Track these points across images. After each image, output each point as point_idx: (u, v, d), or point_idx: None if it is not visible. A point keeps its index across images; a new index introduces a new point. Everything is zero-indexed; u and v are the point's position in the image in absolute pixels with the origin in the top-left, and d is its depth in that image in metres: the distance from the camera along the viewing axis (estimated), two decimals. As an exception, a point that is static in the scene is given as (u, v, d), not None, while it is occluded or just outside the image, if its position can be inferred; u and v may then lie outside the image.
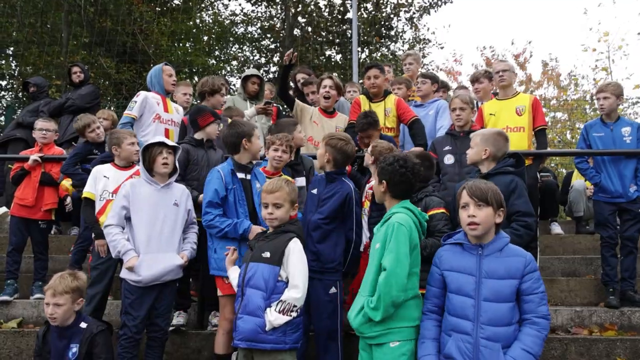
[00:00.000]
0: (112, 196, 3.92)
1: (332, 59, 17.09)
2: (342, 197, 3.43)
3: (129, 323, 3.36)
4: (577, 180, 6.63)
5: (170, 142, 3.63)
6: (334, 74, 5.90)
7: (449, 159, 4.30)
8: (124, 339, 3.34)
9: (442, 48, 21.07)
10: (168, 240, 3.50)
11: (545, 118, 5.35)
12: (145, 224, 3.44)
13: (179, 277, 3.62)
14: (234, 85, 14.75)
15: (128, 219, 3.48)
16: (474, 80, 5.92)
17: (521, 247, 3.10)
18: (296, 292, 2.87)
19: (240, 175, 3.63)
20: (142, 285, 3.38)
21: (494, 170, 3.43)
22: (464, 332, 2.48)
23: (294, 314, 2.86)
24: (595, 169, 4.64)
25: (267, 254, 2.94)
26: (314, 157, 4.48)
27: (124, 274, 3.43)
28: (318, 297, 3.34)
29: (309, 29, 16.88)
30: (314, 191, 3.58)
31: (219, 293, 3.57)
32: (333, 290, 3.38)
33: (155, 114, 4.91)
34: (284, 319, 2.83)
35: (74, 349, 3.26)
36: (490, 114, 4.99)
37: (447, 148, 4.34)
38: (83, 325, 3.32)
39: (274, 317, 2.82)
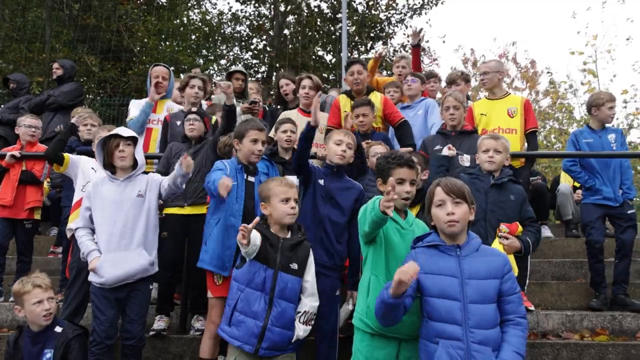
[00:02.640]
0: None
1: (323, 60, 17.01)
2: (357, 193, 3.52)
3: (98, 328, 3.21)
4: (563, 184, 6.63)
5: (126, 133, 3.47)
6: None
7: (440, 159, 4.22)
8: (94, 345, 3.18)
9: (435, 60, 20.67)
10: (132, 236, 3.33)
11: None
12: (105, 222, 3.31)
13: (153, 278, 3.49)
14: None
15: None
16: (451, 82, 5.77)
17: (534, 247, 3.36)
18: (316, 300, 3.00)
19: (244, 175, 3.57)
20: (108, 287, 3.23)
21: (508, 176, 3.59)
22: (454, 338, 2.33)
23: (313, 322, 2.96)
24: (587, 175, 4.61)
25: (295, 266, 2.95)
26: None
27: (90, 276, 3.30)
28: (328, 295, 3.33)
29: (299, 28, 16.81)
30: (321, 182, 3.52)
31: (209, 295, 3.47)
32: (337, 292, 3.42)
33: None
34: (308, 329, 2.94)
35: (48, 354, 3.13)
36: (482, 114, 4.91)
37: (438, 147, 4.27)
38: (58, 329, 3.18)
39: (302, 330, 2.91)
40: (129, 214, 3.35)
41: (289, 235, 3.03)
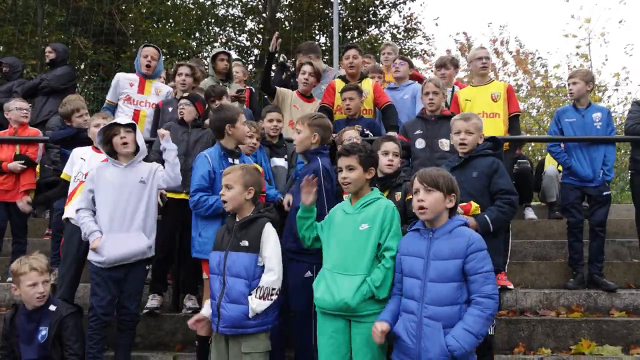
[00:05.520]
0: (86, 178, 3.90)
1: (317, 42, 16.90)
2: (310, 173, 3.49)
3: (96, 304, 3.35)
4: (549, 166, 6.76)
5: (125, 121, 3.60)
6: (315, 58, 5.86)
7: (420, 143, 4.31)
8: (92, 321, 3.33)
9: (427, 39, 20.11)
10: (132, 219, 3.46)
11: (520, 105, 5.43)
12: (107, 205, 3.42)
13: (149, 259, 3.61)
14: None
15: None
16: (441, 65, 5.73)
17: (507, 223, 3.34)
18: (272, 274, 2.98)
19: (229, 160, 3.66)
20: (107, 266, 3.36)
21: (476, 152, 3.51)
22: (410, 312, 2.56)
23: (274, 297, 2.97)
24: (567, 153, 4.73)
25: (246, 243, 3.01)
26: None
27: (90, 255, 3.42)
28: (297, 278, 3.39)
29: (292, 12, 16.71)
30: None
31: (204, 276, 3.61)
32: (309, 274, 3.41)
33: (126, 95, 5.05)
34: (266, 304, 2.94)
35: (43, 331, 3.26)
36: (466, 100, 5.03)
37: (418, 132, 4.35)
38: (52, 308, 3.32)
39: (255, 304, 2.91)
40: (130, 199, 3.47)
41: (248, 214, 3.14)
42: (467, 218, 3.20)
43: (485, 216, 3.27)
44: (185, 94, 4.48)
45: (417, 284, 2.58)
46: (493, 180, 3.40)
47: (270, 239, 3.05)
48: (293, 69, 6.53)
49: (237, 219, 3.15)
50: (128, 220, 3.45)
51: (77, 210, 3.52)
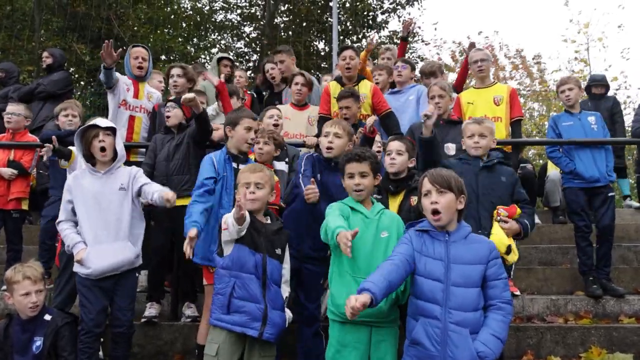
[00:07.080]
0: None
1: (314, 48, 16.91)
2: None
3: (86, 317, 3.22)
4: (553, 171, 6.70)
5: (104, 124, 3.43)
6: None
7: (429, 145, 4.23)
8: (83, 334, 3.20)
9: (427, 44, 19.93)
10: (116, 229, 3.32)
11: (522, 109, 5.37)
12: (88, 215, 3.30)
13: (138, 268, 3.50)
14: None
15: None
16: (430, 74, 5.39)
17: (531, 230, 3.31)
18: (289, 286, 3.05)
19: (234, 164, 3.56)
20: (94, 278, 3.24)
21: (497, 159, 3.53)
22: (433, 317, 2.45)
23: None
24: (568, 157, 4.64)
25: (279, 251, 2.97)
26: (298, 146, 4.58)
27: (75, 267, 3.30)
28: (313, 283, 3.38)
29: (290, 17, 16.72)
30: (318, 177, 3.48)
31: (204, 282, 3.51)
32: (322, 281, 3.41)
33: (122, 100, 4.86)
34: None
35: (38, 342, 3.16)
36: (469, 103, 4.95)
37: None
38: (47, 317, 3.22)
39: (289, 314, 2.96)
40: (111, 207, 3.33)
41: (268, 221, 3.04)
42: (510, 221, 3.22)
43: (526, 221, 3.29)
44: (172, 97, 4.40)
45: (438, 287, 2.47)
46: (516, 189, 3.44)
47: (288, 252, 3.06)
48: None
49: (260, 220, 3.01)
50: (112, 230, 3.31)
51: (58, 223, 3.39)
